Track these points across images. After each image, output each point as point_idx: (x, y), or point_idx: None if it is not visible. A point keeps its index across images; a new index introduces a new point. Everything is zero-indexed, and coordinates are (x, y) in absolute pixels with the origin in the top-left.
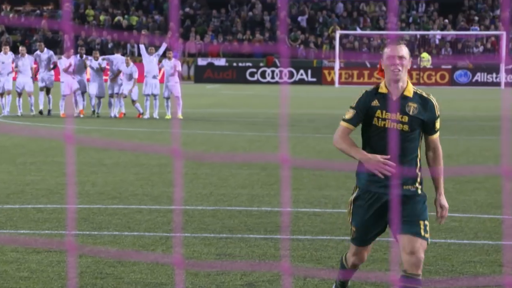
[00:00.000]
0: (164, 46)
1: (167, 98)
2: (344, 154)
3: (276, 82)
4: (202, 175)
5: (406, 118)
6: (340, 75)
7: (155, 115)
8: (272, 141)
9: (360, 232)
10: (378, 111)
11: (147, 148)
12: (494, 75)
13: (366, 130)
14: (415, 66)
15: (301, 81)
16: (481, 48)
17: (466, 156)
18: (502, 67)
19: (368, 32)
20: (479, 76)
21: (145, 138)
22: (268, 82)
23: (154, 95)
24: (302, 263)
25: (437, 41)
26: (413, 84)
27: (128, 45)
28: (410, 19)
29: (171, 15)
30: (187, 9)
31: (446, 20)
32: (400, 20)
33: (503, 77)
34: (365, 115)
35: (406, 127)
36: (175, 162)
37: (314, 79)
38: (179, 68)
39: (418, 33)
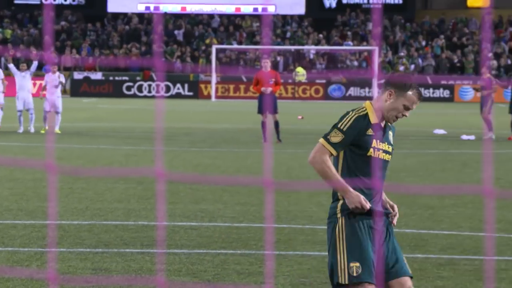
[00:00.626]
0: (35, 64)
1: (47, 112)
2: (320, 176)
3: (153, 96)
4: (78, 190)
5: (390, 148)
6: (216, 89)
7: (31, 129)
8: (149, 155)
9: (366, 264)
10: (374, 142)
11: (22, 163)
12: (367, 89)
13: (352, 155)
14: (290, 81)
15: (178, 95)
16: (354, 63)
17: None
18: (375, 82)
19: (244, 46)
20: (352, 91)
21: (20, 152)
22: (145, 96)
23: (28, 110)
24: (179, 277)
25: (311, 56)
26: (288, 99)
27: (2, 58)
28: (288, 34)
29: (46, 28)
30: (62, 23)
31: (321, 35)
32: (275, 35)
33: (375, 91)
34: (355, 141)
35: (389, 157)
36: (50, 177)
37: (191, 93)
38: (63, 79)
39: (293, 47)
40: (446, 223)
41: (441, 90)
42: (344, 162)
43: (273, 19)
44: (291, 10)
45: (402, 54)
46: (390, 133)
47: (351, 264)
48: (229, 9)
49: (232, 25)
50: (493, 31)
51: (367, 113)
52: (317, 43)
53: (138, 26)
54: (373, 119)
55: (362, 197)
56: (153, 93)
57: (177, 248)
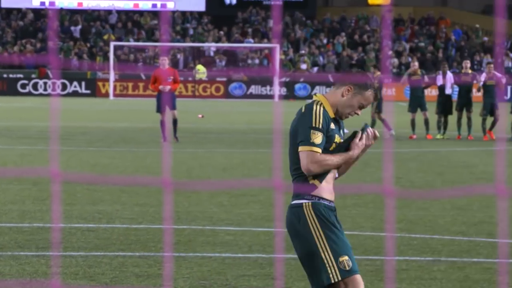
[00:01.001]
0: None
1: None
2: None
3: (49, 94)
4: None
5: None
6: (114, 87)
7: None
8: (44, 155)
9: (351, 255)
10: (336, 136)
11: None
12: (268, 87)
13: None
14: (190, 79)
15: (75, 93)
16: (255, 61)
17: (241, 169)
18: (276, 80)
19: (142, 43)
20: (253, 89)
21: None
22: (41, 94)
23: None
24: (75, 280)
25: (212, 53)
26: (188, 97)
27: None
28: (191, 31)
29: None
30: None
31: (221, 32)
32: (175, 32)
33: (276, 89)
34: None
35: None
36: None
37: (88, 91)
38: None
39: (192, 45)
40: (347, 223)
41: None
42: None
43: (172, 15)
44: (191, 7)
45: (303, 52)
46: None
47: (340, 259)
48: (127, 5)
49: (130, 21)
50: (394, 29)
51: (324, 108)
52: (218, 40)
53: (33, 22)
54: (330, 113)
55: (357, 142)
56: (49, 91)
57: (73, 251)
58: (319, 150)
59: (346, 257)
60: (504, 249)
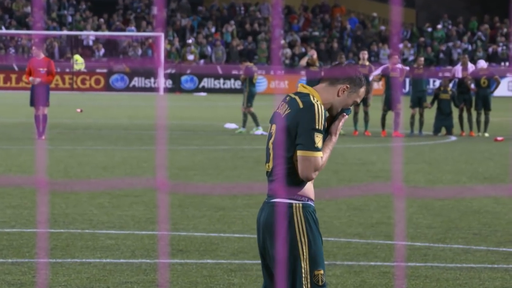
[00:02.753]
0: None
1: None
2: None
3: None
4: None
5: None
6: None
7: None
8: None
9: (325, 268)
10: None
11: None
12: (152, 79)
13: None
14: (67, 70)
15: None
16: (138, 51)
17: (123, 167)
18: (161, 72)
19: (14, 31)
20: (136, 81)
21: None
22: None
23: None
24: None
25: (91, 42)
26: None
27: None
28: (69, 19)
29: None
30: None
31: (101, 20)
32: (51, 19)
33: (161, 82)
34: None
35: None
36: None
37: None
38: None
39: (70, 33)
40: (237, 225)
41: (232, 81)
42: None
43: (47, 1)
44: None
45: (189, 41)
46: None
47: (316, 272)
48: None
49: (1, 8)
50: (286, 17)
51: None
52: (97, 28)
53: None
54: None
55: (336, 125)
56: None
57: None
58: (321, 154)
59: (321, 271)
60: (401, 252)
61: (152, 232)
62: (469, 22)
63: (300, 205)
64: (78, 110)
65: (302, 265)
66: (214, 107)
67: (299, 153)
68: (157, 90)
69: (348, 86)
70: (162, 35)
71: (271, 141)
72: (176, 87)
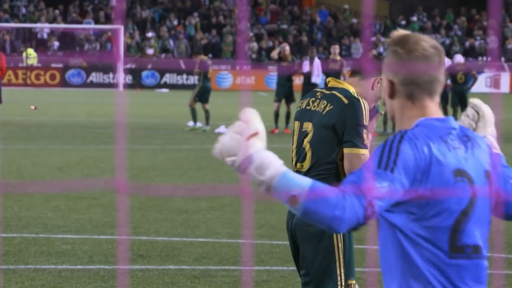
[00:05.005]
0: None
1: None
2: None
3: None
4: None
5: None
6: None
7: None
8: None
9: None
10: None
11: None
12: (111, 75)
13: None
14: (20, 65)
15: None
16: (96, 45)
17: (80, 168)
18: (120, 67)
19: None
20: (94, 77)
21: None
22: None
23: None
24: None
25: (45, 36)
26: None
27: None
28: (23, 10)
29: None
30: None
31: (57, 11)
32: (3, 11)
33: (121, 77)
34: None
35: None
36: None
37: None
38: None
39: (22, 25)
40: (201, 230)
41: (196, 76)
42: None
43: None
44: None
45: (149, 35)
46: None
47: (349, 282)
48: None
49: None
50: (252, 9)
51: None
52: (52, 20)
53: None
54: None
55: (372, 124)
56: None
57: None
58: (368, 152)
59: (353, 281)
60: (373, 257)
61: (111, 236)
62: (445, 15)
63: None
64: (32, 107)
65: (338, 271)
66: (177, 104)
67: (348, 150)
68: (116, 86)
69: (382, 78)
70: (121, 27)
71: (306, 139)
72: (136, 83)
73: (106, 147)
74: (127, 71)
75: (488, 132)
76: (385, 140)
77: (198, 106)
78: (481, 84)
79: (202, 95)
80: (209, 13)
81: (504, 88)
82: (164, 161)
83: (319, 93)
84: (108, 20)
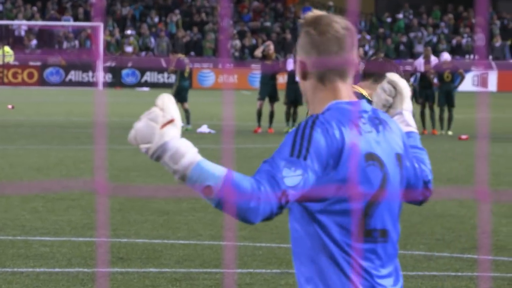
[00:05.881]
0: None
1: None
2: None
3: None
4: None
5: None
6: None
7: None
8: None
9: None
10: None
11: None
12: (91, 73)
13: None
14: None
15: None
16: (75, 42)
17: (59, 168)
18: (100, 65)
19: None
20: (73, 75)
21: None
22: None
23: None
24: None
25: (23, 33)
26: None
27: None
28: (0, 7)
29: None
30: None
31: (35, 8)
32: None
33: (100, 76)
34: None
35: None
36: None
37: None
38: None
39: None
40: (183, 231)
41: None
42: None
43: None
44: None
45: (128, 32)
46: None
47: None
48: None
49: None
50: (235, 7)
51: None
52: (30, 17)
53: None
54: None
55: None
56: None
57: None
58: None
59: None
60: None
61: (90, 238)
62: (432, 12)
63: None
64: (10, 106)
65: None
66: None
67: None
68: (95, 84)
69: None
70: (101, 25)
71: None
72: (116, 82)
73: (85, 147)
74: (107, 70)
75: (404, 107)
76: (297, 126)
77: (178, 106)
78: (468, 83)
79: (179, 94)
80: (191, 10)
81: (492, 87)
82: (145, 161)
83: None
84: (87, 17)
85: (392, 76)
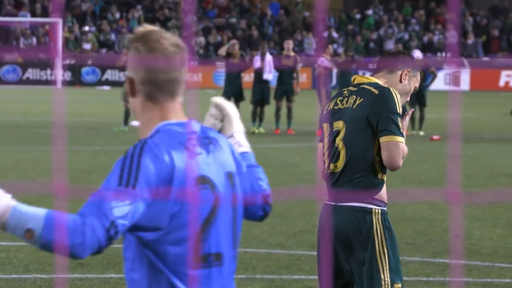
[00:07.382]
0: None
1: None
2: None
3: None
4: None
5: None
6: None
7: None
8: None
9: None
10: None
11: None
12: (49, 71)
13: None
14: None
15: None
16: (33, 39)
17: (15, 170)
18: (58, 62)
19: None
20: (31, 73)
21: None
22: None
23: None
24: None
25: None
26: None
27: None
28: None
29: None
30: None
31: None
32: None
33: (59, 74)
34: None
35: None
36: None
37: None
38: None
39: None
40: None
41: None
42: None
43: None
44: None
45: (86, 28)
46: None
47: (396, 286)
48: None
49: None
50: (199, 2)
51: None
52: None
53: None
54: None
55: (405, 121)
56: None
57: None
58: (403, 139)
59: (400, 285)
60: None
61: None
62: (402, 8)
63: (379, 210)
64: None
65: (382, 277)
66: (119, 102)
67: (385, 139)
68: (54, 83)
69: (409, 70)
70: (59, 21)
71: (339, 137)
72: (76, 80)
73: (44, 148)
74: (66, 67)
75: (234, 129)
76: (125, 152)
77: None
78: (440, 82)
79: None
80: (153, 6)
81: (464, 85)
82: (106, 163)
83: (346, 91)
84: (45, 13)
85: (217, 99)
